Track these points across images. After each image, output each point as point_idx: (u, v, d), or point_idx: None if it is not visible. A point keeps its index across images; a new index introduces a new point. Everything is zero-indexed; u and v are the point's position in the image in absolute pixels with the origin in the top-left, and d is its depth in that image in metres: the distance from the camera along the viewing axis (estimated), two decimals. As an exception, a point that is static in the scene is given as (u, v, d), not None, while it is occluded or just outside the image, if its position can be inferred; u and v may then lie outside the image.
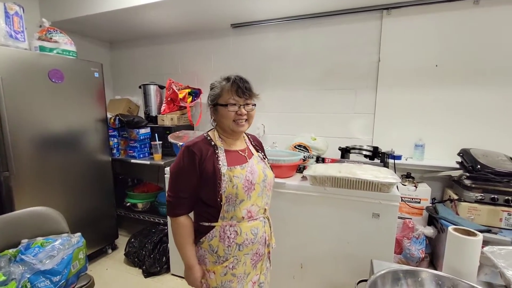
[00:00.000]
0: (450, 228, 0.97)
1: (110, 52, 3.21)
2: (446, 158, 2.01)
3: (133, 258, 2.29)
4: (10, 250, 1.30)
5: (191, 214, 1.10)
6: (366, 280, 0.86)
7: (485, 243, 1.23)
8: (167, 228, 2.26)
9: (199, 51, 2.74)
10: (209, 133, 1.12)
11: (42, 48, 1.95)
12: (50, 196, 2.01)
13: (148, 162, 2.38)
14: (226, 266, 1.04)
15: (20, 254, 1.27)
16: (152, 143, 2.40)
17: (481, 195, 1.68)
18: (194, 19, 2.38)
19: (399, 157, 1.98)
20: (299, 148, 2.06)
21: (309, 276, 1.73)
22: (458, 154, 1.88)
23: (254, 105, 1.08)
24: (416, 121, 2.09)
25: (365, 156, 1.97)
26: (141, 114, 2.90)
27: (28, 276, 1.21)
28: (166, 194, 1.08)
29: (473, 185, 1.70)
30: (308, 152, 2.02)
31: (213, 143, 1.07)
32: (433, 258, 1.93)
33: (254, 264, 1.11)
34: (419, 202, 1.95)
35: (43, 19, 2.10)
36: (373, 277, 0.85)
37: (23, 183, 1.85)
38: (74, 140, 2.15)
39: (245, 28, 2.50)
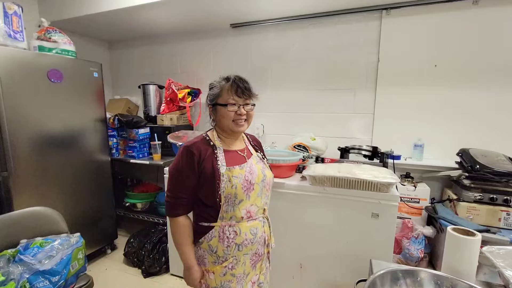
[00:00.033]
0: (449, 228, 0.97)
1: (109, 52, 3.20)
2: (445, 158, 2.01)
3: (132, 258, 2.28)
4: (9, 250, 1.30)
5: (190, 215, 1.10)
6: (365, 280, 0.86)
7: (484, 243, 1.24)
8: (167, 228, 2.26)
9: (198, 51, 2.74)
10: (208, 133, 1.12)
11: (41, 48, 1.95)
12: (49, 196, 2.00)
13: (147, 162, 2.38)
14: (226, 266, 1.04)
15: (19, 254, 1.27)
16: (151, 143, 2.40)
17: (480, 195, 1.69)
18: (194, 19, 2.38)
19: (398, 157, 1.98)
20: (299, 148, 2.06)
21: (308, 276, 1.73)
22: (457, 154, 1.89)
23: (254, 105, 1.09)
24: (415, 121, 2.10)
25: (364, 156, 1.97)
26: (141, 114, 2.90)
27: (27, 276, 1.21)
28: (165, 194, 1.08)
29: (472, 185, 1.70)
30: (308, 152, 2.02)
31: (212, 143, 1.07)
32: (432, 258, 1.93)
33: (254, 264, 1.11)
34: (418, 202, 1.96)
35: (42, 18, 2.10)
36: (372, 277, 0.85)
37: (22, 183, 1.85)
38: (73, 140, 2.14)
39: (245, 28, 2.49)
